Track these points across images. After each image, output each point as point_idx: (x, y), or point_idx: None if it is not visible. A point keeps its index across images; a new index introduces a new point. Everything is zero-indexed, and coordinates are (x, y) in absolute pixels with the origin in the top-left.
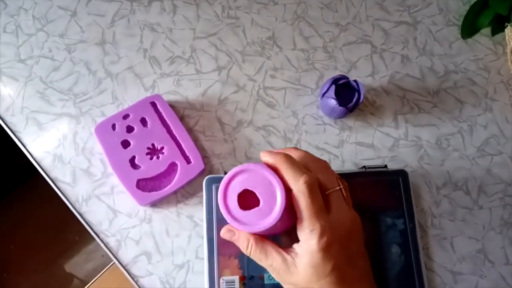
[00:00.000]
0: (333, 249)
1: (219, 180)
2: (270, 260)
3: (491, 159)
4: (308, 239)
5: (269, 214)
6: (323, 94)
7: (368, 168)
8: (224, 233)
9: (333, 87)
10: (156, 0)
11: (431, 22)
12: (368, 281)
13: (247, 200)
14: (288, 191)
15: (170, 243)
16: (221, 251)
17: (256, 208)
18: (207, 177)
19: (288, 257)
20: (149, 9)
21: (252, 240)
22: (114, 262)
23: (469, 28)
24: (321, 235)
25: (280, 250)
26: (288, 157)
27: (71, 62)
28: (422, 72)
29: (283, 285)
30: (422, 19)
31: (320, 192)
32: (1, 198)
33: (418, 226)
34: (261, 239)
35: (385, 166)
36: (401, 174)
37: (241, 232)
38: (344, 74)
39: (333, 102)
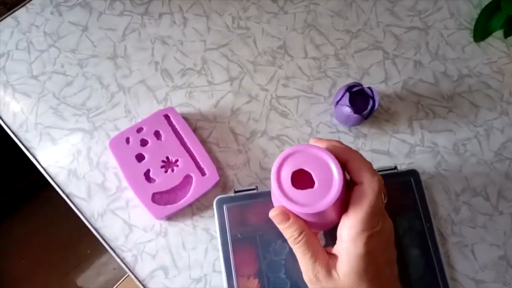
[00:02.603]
0: (376, 254)
1: (229, 200)
2: (314, 258)
3: (510, 163)
4: (356, 240)
5: (325, 196)
6: (337, 102)
7: (379, 171)
8: (275, 214)
9: (347, 94)
10: (166, 13)
11: (443, 27)
12: (395, 285)
13: (298, 182)
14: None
15: (187, 257)
16: (239, 272)
17: (311, 189)
18: (217, 198)
19: (331, 264)
20: (159, 22)
21: (306, 231)
22: (127, 276)
23: (481, 31)
24: (370, 238)
25: (325, 252)
26: (356, 151)
27: (83, 77)
28: (435, 77)
29: None
30: (433, 23)
31: None
32: (11, 214)
33: (438, 234)
34: (315, 235)
35: (395, 168)
36: (412, 174)
37: (297, 219)
38: (357, 81)
39: (348, 110)
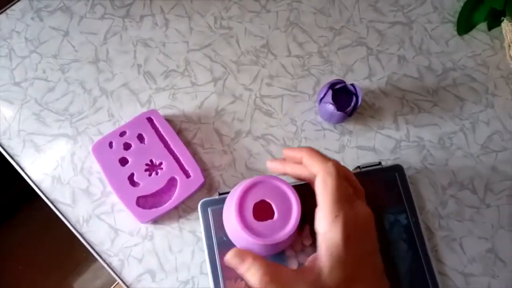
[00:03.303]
0: (355, 241)
1: (214, 202)
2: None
3: (496, 156)
4: (331, 228)
5: (284, 227)
6: (321, 100)
7: (363, 167)
8: (231, 258)
9: (330, 92)
10: (147, 15)
11: (426, 21)
12: (381, 278)
13: (257, 213)
14: (300, 204)
15: (174, 260)
16: (226, 274)
17: (271, 220)
18: (201, 200)
19: (313, 273)
20: (141, 25)
21: (268, 268)
22: (117, 282)
23: (465, 24)
24: (346, 223)
25: (301, 270)
26: (313, 149)
27: (65, 82)
28: (420, 72)
29: None
30: (416, 18)
31: None
32: (6, 219)
33: (425, 228)
34: (276, 268)
35: (379, 163)
36: (397, 169)
37: (255, 260)
38: (340, 78)
39: (331, 107)
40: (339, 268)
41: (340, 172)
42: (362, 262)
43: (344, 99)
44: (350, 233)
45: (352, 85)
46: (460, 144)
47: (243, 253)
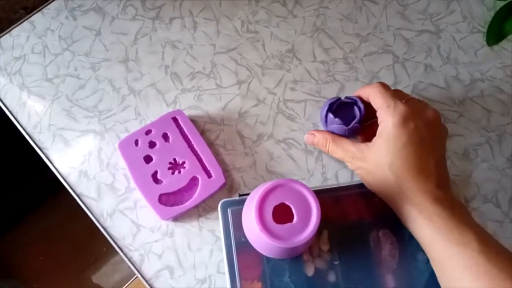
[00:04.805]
0: (408, 126)
1: (234, 203)
2: (345, 151)
3: None
4: (385, 116)
5: (304, 230)
6: (327, 126)
7: None
8: (306, 138)
9: (330, 114)
10: (177, 18)
11: (455, 30)
12: (442, 175)
13: (276, 216)
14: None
15: (192, 258)
16: (243, 275)
17: (290, 224)
18: (221, 201)
19: (363, 145)
20: (170, 27)
21: (329, 138)
22: (136, 277)
23: (495, 35)
24: (396, 110)
25: (355, 143)
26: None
27: (96, 80)
28: (446, 81)
29: (356, 171)
30: (445, 27)
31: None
32: (30, 212)
33: None
34: (338, 137)
35: None
36: None
37: (320, 132)
38: (334, 97)
39: (341, 127)
40: (383, 147)
41: (387, 86)
42: (419, 151)
43: (348, 113)
44: (405, 117)
45: (348, 97)
46: (486, 156)
47: (313, 131)
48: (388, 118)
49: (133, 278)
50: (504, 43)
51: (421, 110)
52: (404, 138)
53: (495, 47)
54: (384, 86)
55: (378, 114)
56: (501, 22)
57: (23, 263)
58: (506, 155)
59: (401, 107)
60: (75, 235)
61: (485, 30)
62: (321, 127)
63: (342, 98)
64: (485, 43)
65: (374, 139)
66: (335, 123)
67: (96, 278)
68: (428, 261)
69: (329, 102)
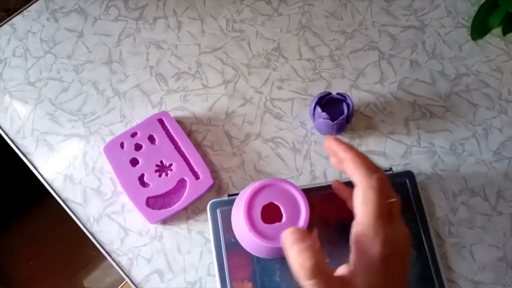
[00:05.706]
0: (392, 264)
1: (223, 204)
2: None
3: (509, 163)
4: (370, 248)
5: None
6: (314, 118)
7: None
8: (292, 231)
9: (318, 108)
10: (161, 17)
11: (440, 25)
12: None
13: (265, 216)
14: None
15: (182, 260)
16: (233, 275)
17: (278, 223)
18: (210, 201)
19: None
20: (154, 27)
21: (318, 262)
22: (126, 281)
23: (479, 29)
24: (384, 244)
25: (343, 281)
26: (361, 153)
27: (79, 82)
28: (432, 77)
29: None
30: (430, 22)
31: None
32: (20, 216)
33: (435, 235)
34: (326, 268)
35: (390, 169)
36: (407, 175)
37: (313, 247)
38: (326, 91)
39: (327, 121)
40: (376, 285)
41: (384, 187)
42: (397, 282)
43: (337, 109)
44: (389, 254)
45: (339, 93)
46: (472, 151)
47: (305, 234)
48: (373, 250)
49: (124, 282)
50: (488, 37)
51: (401, 236)
52: (387, 279)
53: (480, 41)
54: (385, 183)
55: (357, 236)
56: (485, 16)
57: (14, 268)
58: (493, 149)
59: (387, 241)
60: (66, 238)
61: (469, 24)
62: (309, 124)
63: (334, 94)
64: (469, 37)
65: (359, 277)
66: (322, 117)
67: (87, 282)
68: (417, 256)
69: (318, 96)
